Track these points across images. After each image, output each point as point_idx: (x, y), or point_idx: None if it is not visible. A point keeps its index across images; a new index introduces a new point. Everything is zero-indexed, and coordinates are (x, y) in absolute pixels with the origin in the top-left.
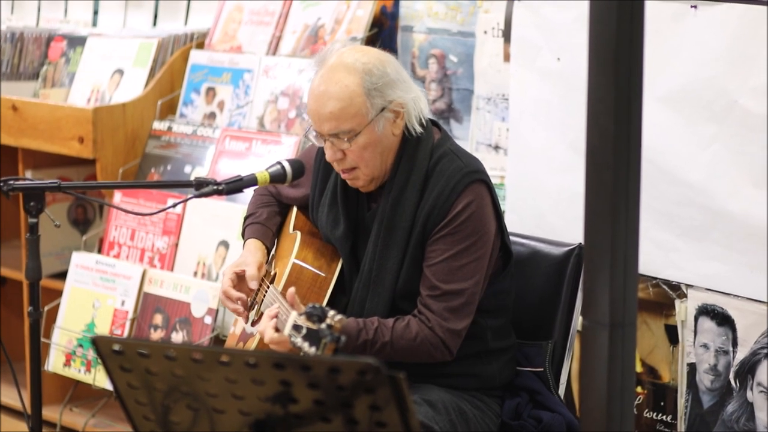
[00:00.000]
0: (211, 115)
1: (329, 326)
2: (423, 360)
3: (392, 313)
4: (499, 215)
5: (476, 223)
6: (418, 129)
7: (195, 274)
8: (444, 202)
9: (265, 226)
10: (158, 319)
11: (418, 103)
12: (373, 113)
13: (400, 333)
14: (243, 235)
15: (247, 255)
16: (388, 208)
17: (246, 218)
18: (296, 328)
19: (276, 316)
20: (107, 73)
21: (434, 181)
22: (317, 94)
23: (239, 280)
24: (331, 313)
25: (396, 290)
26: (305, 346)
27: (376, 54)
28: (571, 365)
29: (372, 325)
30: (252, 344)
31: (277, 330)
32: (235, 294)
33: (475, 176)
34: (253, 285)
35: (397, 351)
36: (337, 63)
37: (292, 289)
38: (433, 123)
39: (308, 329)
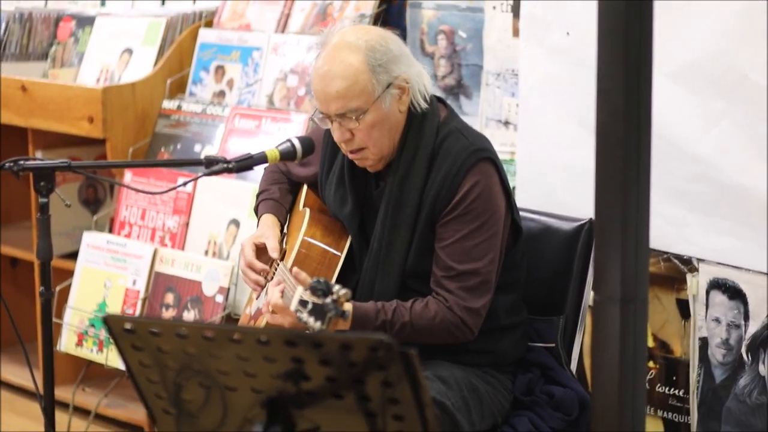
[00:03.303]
0: (221, 94)
1: (334, 301)
2: (445, 340)
3: (402, 292)
4: (507, 192)
5: (486, 202)
6: (423, 105)
7: (206, 252)
8: (451, 182)
9: (279, 202)
10: (170, 298)
11: (421, 78)
12: (380, 90)
13: (419, 313)
14: (256, 212)
15: (265, 229)
16: (395, 187)
17: (258, 194)
18: (302, 303)
19: (280, 284)
20: (116, 52)
21: (441, 160)
22: (322, 74)
23: (258, 252)
24: (336, 287)
25: (405, 269)
26: (311, 321)
27: (377, 31)
28: (582, 340)
29: (390, 306)
30: (262, 321)
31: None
32: (260, 265)
33: (481, 154)
34: (275, 255)
35: (417, 331)
36: (339, 42)
37: (296, 268)
38: (439, 100)
39: (314, 304)
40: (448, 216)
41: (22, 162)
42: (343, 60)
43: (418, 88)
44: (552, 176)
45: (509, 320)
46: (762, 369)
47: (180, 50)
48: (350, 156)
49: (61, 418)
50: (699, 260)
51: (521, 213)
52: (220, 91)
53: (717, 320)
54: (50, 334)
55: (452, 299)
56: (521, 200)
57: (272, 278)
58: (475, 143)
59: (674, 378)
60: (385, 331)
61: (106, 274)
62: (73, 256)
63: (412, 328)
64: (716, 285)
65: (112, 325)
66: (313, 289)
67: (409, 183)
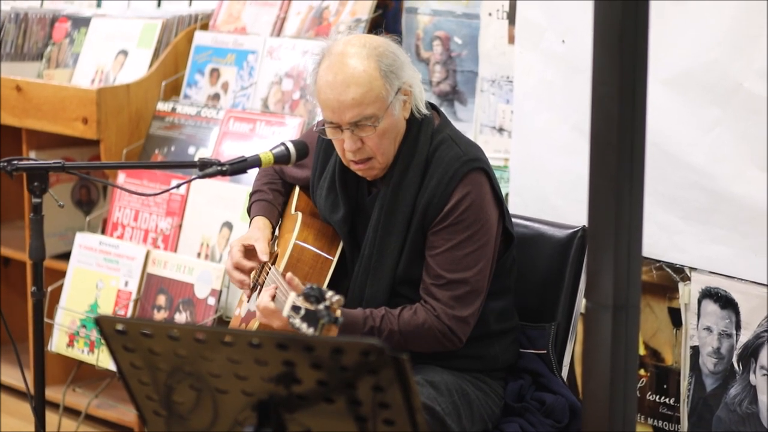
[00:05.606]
0: (215, 97)
1: (327, 307)
2: (433, 348)
3: (393, 299)
4: (500, 201)
5: (477, 213)
6: (424, 110)
7: (198, 255)
8: (443, 191)
9: (271, 204)
10: (162, 299)
11: (420, 84)
12: (392, 95)
13: (408, 320)
14: (249, 212)
15: (255, 231)
16: (389, 193)
17: (251, 195)
18: (295, 309)
19: (275, 289)
20: (111, 53)
21: (433, 169)
22: (332, 83)
23: (247, 253)
24: (329, 293)
25: (396, 276)
26: (303, 327)
27: (380, 39)
28: (574, 347)
29: (379, 312)
30: (254, 324)
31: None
32: (248, 264)
33: (473, 165)
34: (264, 258)
35: (405, 338)
36: (346, 50)
37: (289, 274)
38: (432, 107)
39: (306, 310)
40: (439, 225)
41: (15, 162)
42: (355, 67)
43: (419, 95)
44: (546, 183)
45: (500, 326)
46: (753, 378)
47: (175, 52)
48: (355, 167)
49: (51, 418)
50: (691, 269)
51: (515, 219)
52: (214, 93)
53: (708, 329)
54: (41, 334)
55: (440, 308)
56: (515, 207)
57: (262, 281)
58: (467, 153)
59: (665, 386)
60: (373, 337)
61: (98, 275)
62: (66, 256)
63: (400, 335)
64: (708, 294)
65: (104, 326)
66: (306, 296)
67: (403, 189)
